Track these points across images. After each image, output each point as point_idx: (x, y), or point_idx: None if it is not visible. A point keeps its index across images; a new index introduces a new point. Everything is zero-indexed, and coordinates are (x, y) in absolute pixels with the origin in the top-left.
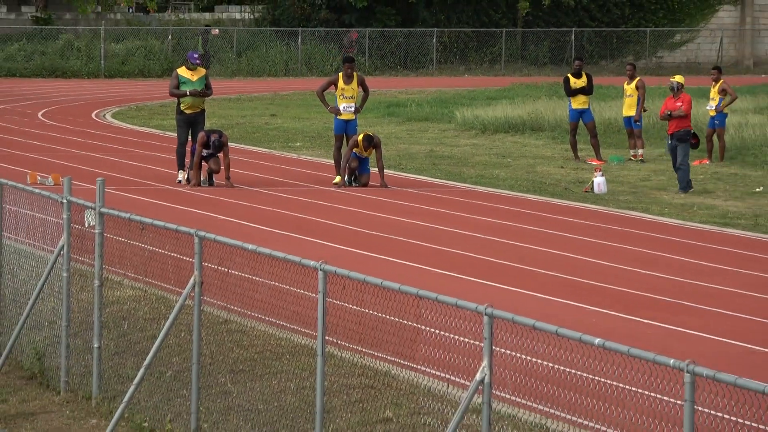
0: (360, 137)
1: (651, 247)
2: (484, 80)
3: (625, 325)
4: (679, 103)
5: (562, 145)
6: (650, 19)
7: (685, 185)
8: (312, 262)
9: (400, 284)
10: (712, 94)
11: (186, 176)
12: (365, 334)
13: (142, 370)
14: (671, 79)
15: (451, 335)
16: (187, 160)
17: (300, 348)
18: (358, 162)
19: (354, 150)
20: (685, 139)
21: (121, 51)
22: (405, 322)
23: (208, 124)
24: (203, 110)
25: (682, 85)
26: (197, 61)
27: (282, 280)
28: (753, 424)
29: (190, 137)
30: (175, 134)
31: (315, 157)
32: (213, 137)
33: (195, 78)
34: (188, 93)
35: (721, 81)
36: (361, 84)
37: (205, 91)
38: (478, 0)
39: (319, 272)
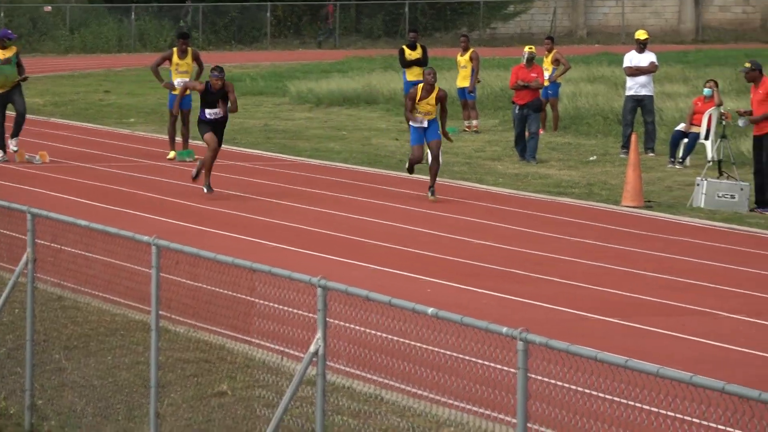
0: (420, 86)
1: (485, 217)
2: (318, 54)
3: (460, 295)
4: (534, 74)
5: (396, 117)
6: None
7: (534, 153)
8: (145, 237)
9: (233, 258)
10: (545, 65)
11: (8, 151)
12: (199, 308)
13: None
14: (526, 49)
15: (285, 308)
16: (7, 136)
17: (134, 323)
18: (424, 129)
19: (417, 112)
20: (539, 109)
21: None
22: (239, 295)
23: (42, 101)
24: (17, 84)
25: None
26: (12, 37)
27: (115, 256)
28: (586, 390)
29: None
30: None
31: (149, 132)
32: (215, 82)
33: (4, 56)
34: None
35: (555, 51)
36: (196, 59)
37: (24, 77)
38: None
39: (153, 247)
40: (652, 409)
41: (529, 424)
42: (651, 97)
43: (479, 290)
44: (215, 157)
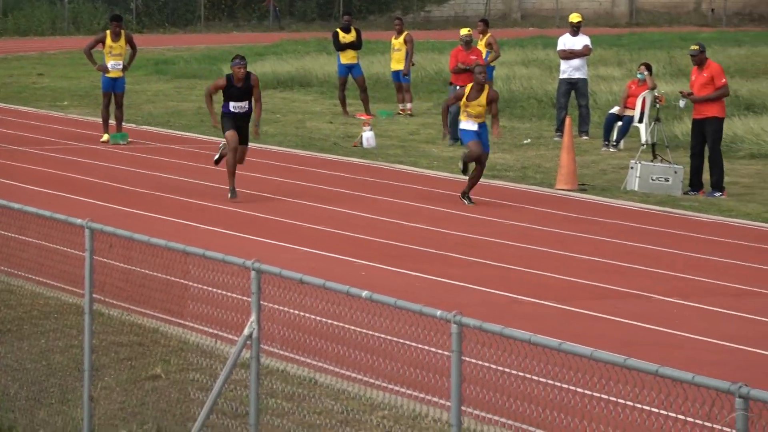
0: (467, 89)
1: (419, 200)
2: (252, 36)
3: (394, 278)
4: (473, 57)
5: (330, 100)
6: None
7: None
8: (78, 220)
9: (167, 241)
10: (479, 47)
11: None
12: (133, 291)
13: None
14: (463, 32)
15: (219, 291)
16: None
17: (68, 306)
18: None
19: (464, 114)
20: None
21: None
22: (172, 278)
23: None
24: None
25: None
26: None
27: (49, 239)
28: (520, 373)
29: None
30: None
31: (83, 115)
32: (237, 71)
33: None
34: None
35: (489, 34)
36: (129, 41)
37: None
38: None
39: (86, 230)
40: (586, 391)
41: (463, 407)
42: (585, 80)
43: (413, 273)
44: (236, 154)
